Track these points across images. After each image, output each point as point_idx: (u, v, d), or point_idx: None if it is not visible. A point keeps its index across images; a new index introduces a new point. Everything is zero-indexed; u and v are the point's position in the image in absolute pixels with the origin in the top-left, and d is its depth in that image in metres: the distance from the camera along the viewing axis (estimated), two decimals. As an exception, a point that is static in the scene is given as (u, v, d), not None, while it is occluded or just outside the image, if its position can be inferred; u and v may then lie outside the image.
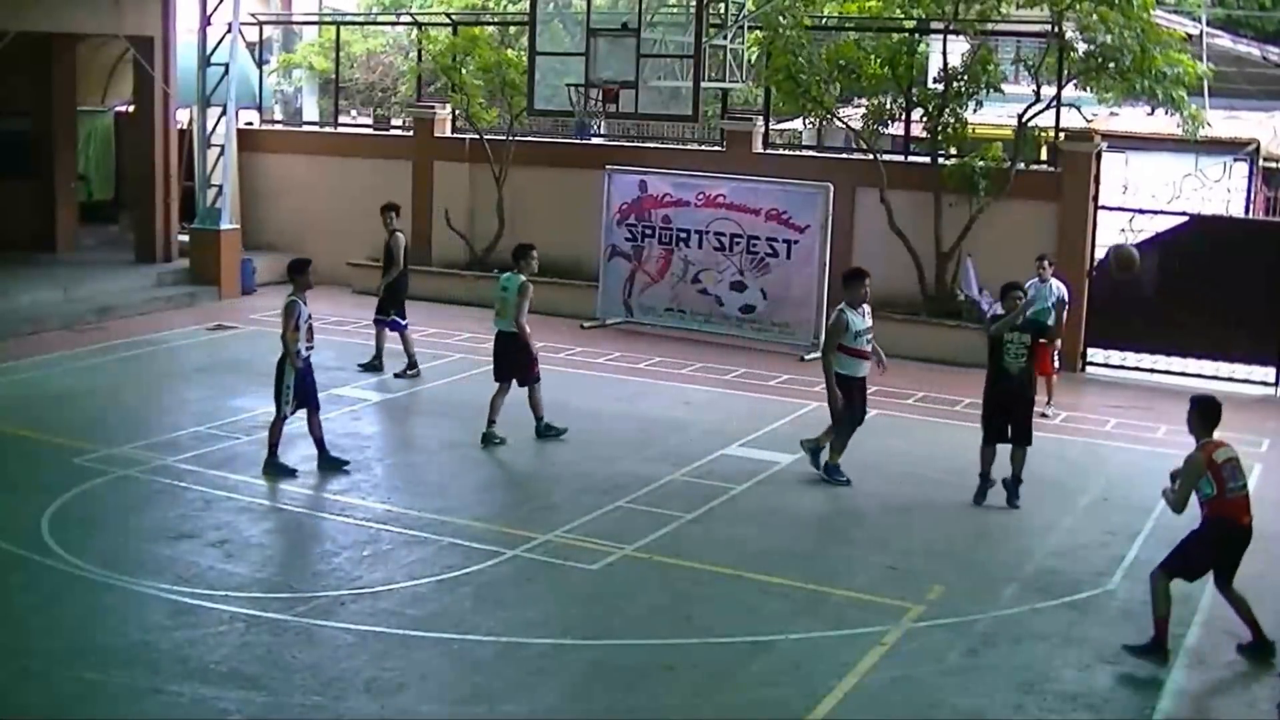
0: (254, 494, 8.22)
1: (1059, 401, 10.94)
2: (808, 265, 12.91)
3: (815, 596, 6.85)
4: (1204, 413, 6.43)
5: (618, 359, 12.49)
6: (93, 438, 9.17)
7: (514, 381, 9.44)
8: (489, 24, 16.84)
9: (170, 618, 6.35)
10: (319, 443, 8.68)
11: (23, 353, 11.81)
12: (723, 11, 12.29)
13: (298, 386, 8.50)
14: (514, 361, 9.44)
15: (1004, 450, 8.47)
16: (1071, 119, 13.03)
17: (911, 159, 13.43)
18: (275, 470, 8.51)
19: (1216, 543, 6.30)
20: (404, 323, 11.45)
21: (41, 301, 13.34)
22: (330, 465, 8.65)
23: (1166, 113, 12.07)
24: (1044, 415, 10.71)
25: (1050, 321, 10.65)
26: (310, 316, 8.62)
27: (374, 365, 11.46)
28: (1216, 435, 6.53)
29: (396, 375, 11.27)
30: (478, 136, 14.91)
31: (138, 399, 10.63)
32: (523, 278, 9.40)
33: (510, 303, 9.37)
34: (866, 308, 8.72)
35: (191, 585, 6.71)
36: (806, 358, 12.64)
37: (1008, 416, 8.32)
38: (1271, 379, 11.94)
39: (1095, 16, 11.74)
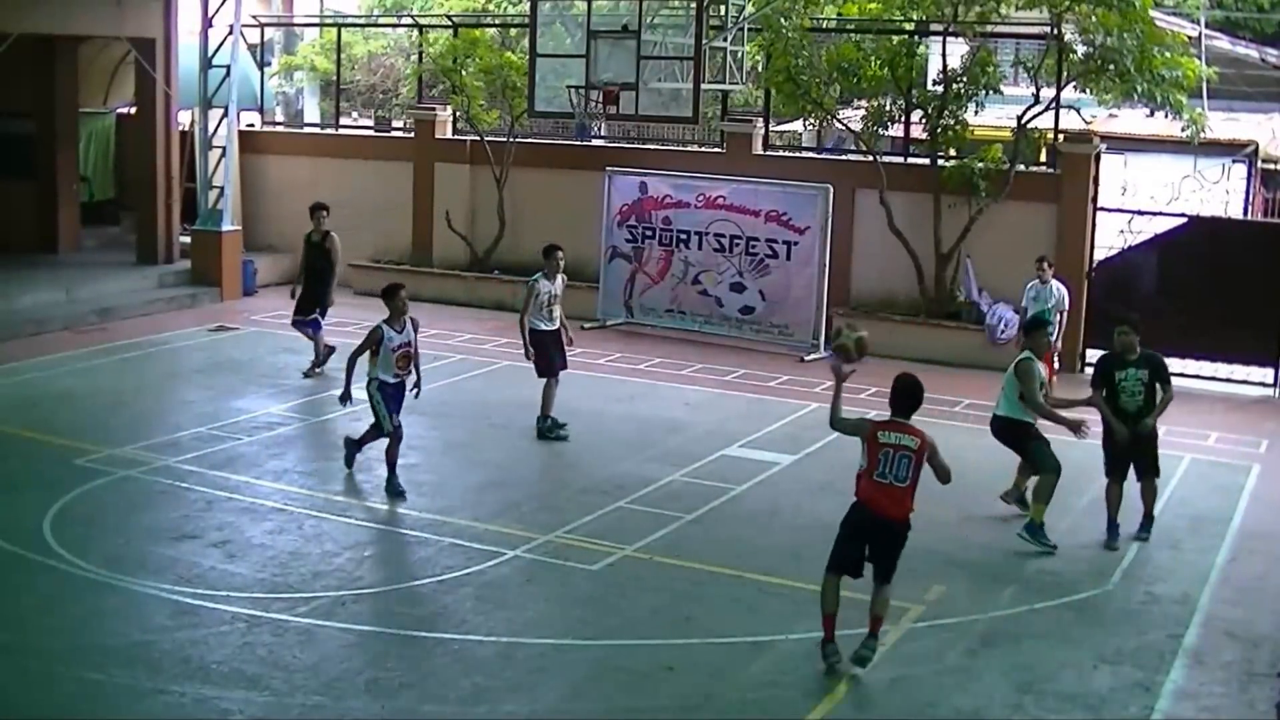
0: (255, 495, 8.25)
1: (1058, 402, 10.94)
2: (807, 267, 12.94)
3: (815, 597, 6.81)
4: (896, 391, 6.27)
5: (618, 360, 12.51)
6: (95, 438, 9.20)
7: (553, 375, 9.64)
8: (490, 26, 16.87)
9: (172, 618, 6.37)
10: (392, 465, 8.29)
11: (25, 353, 11.84)
12: (723, 13, 12.31)
13: (388, 404, 8.22)
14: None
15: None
16: (1071, 121, 13.05)
17: (911, 160, 13.45)
18: (393, 491, 8.20)
19: (854, 527, 6.03)
20: (323, 322, 11.34)
21: (43, 302, 13.37)
22: (394, 491, 8.22)
23: (1166, 115, 12.10)
24: (1043, 416, 10.74)
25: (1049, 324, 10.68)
26: (406, 343, 8.17)
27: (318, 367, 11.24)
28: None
29: (305, 374, 11.15)
30: (478, 138, 14.94)
31: (139, 400, 10.65)
32: (534, 276, 9.67)
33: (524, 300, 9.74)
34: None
35: (193, 586, 6.74)
36: (807, 359, 12.67)
37: (1132, 456, 7.75)
38: (1270, 380, 11.96)
39: (1094, 18, 11.77)
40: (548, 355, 9.62)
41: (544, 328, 9.61)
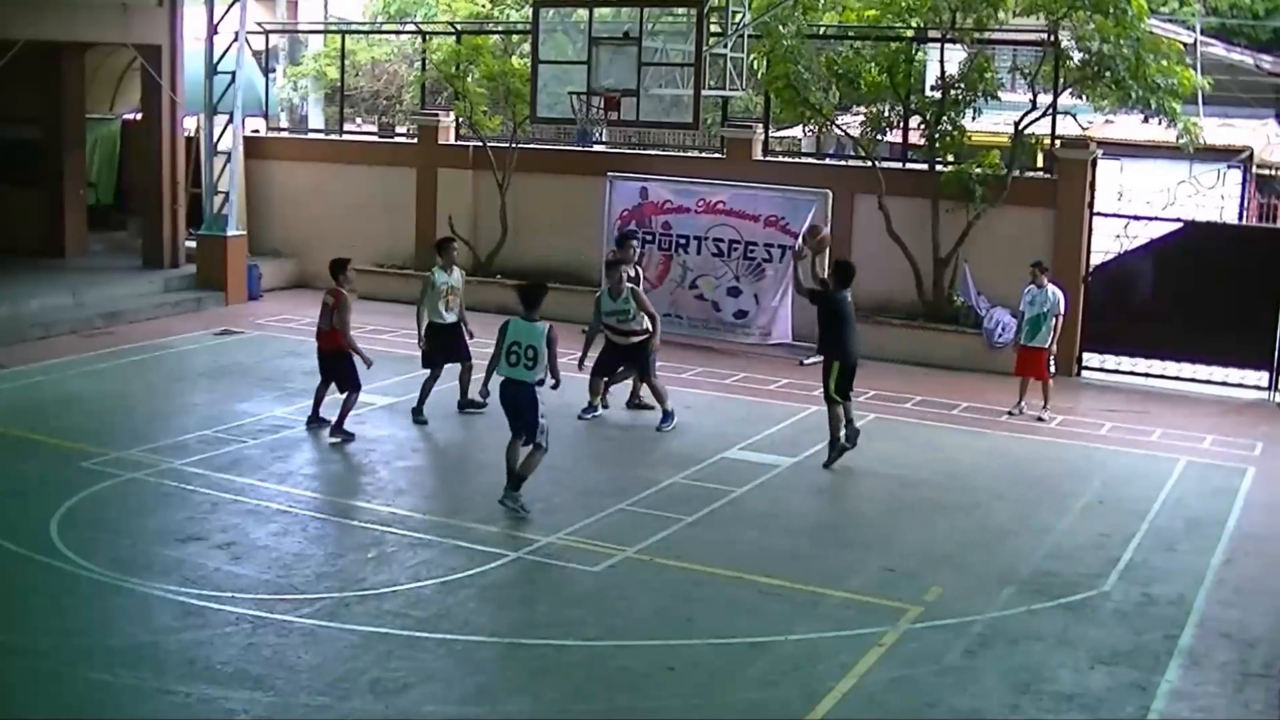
0: (260, 497, 8.31)
1: (1055, 406, 11.03)
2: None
3: (814, 598, 6.92)
4: (332, 266, 9.50)
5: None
6: (101, 441, 9.27)
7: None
8: (492, 33, 16.96)
9: (177, 619, 6.43)
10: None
11: (32, 357, 11.91)
12: (723, 20, 12.42)
13: None
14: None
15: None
16: (1067, 126, 13.12)
17: (909, 166, 13.53)
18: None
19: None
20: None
21: (50, 306, 13.43)
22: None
23: (1161, 123, 12.18)
24: (1040, 419, 10.82)
25: (1045, 328, 10.79)
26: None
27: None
28: None
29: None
30: (481, 144, 15.03)
31: (145, 403, 10.72)
32: (431, 269, 10.38)
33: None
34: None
35: (199, 587, 6.80)
36: (806, 362, 12.74)
37: None
38: (1265, 383, 12.01)
39: (1091, 25, 11.85)
40: (444, 348, 10.09)
41: (442, 321, 10.11)
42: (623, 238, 11.25)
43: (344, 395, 9.59)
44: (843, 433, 9.17)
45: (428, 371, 10.20)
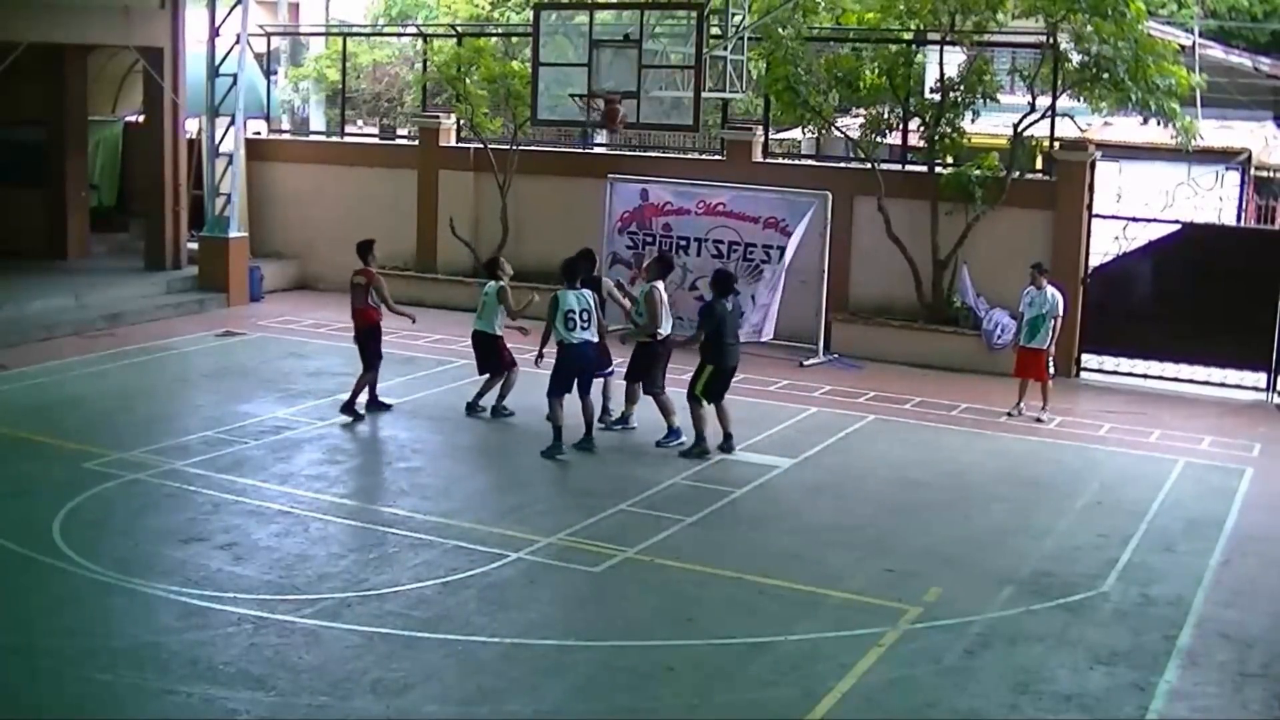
0: (262, 498, 8.34)
1: (1054, 407, 11.06)
2: (801, 273, 13.01)
3: (814, 598, 6.95)
4: (359, 248, 10.31)
5: (619, 365, 12.57)
6: (103, 442, 9.30)
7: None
8: (493, 35, 17.04)
9: (179, 619, 6.45)
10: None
11: (34, 358, 11.94)
12: (723, 23, 12.45)
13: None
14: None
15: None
16: (1066, 128, 13.15)
17: (909, 168, 13.56)
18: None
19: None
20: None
21: (53, 308, 13.48)
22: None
23: (1159, 124, 12.22)
24: (1039, 420, 10.85)
25: (1044, 329, 10.81)
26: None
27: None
28: None
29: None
30: (482, 146, 15.07)
31: (147, 404, 10.75)
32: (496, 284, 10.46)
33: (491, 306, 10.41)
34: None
35: (200, 587, 6.82)
36: (805, 364, 12.78)
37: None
38: (1263, 384, 12.04)
39: (1089, 28, 11.88)
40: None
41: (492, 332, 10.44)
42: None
43: (360, 372, 10.14)
44: (685, 437, 9.52)
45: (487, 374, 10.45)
